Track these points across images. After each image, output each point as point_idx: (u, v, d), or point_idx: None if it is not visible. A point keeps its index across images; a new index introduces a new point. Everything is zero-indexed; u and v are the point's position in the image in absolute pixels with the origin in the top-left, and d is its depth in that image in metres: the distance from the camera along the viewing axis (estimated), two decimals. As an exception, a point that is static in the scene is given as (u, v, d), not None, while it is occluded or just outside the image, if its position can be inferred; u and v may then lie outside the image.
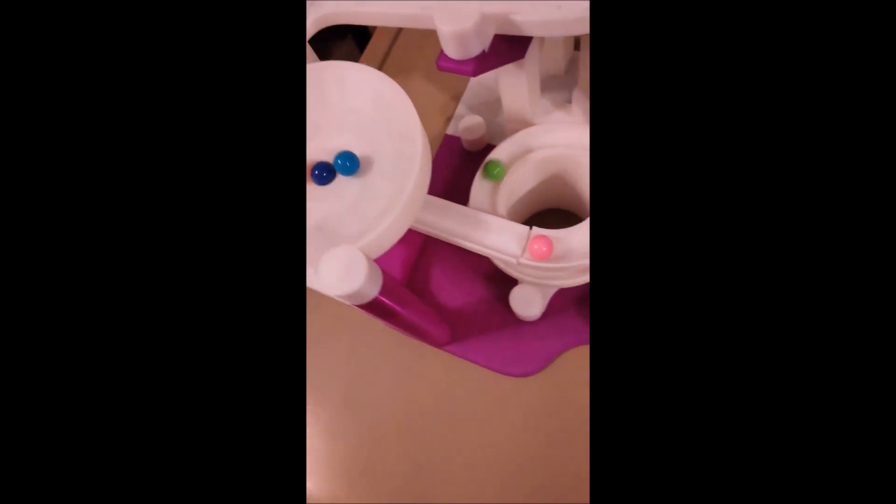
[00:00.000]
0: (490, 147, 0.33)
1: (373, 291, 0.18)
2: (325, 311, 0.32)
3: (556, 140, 0.26)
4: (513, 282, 0.29)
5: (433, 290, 0.31)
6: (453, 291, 0.31)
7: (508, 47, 0.22)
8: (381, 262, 0.32)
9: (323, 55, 0.28)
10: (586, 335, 0.28)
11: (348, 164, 0.20)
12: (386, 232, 0.19)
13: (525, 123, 0.30)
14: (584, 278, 0.25)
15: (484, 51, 0.20)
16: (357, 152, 0.20)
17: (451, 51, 0.19)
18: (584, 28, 0.20)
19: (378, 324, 0.31)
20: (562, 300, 0.29)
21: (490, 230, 0.23)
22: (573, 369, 0.28)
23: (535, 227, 0.23)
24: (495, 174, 0.25)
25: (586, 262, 0.22)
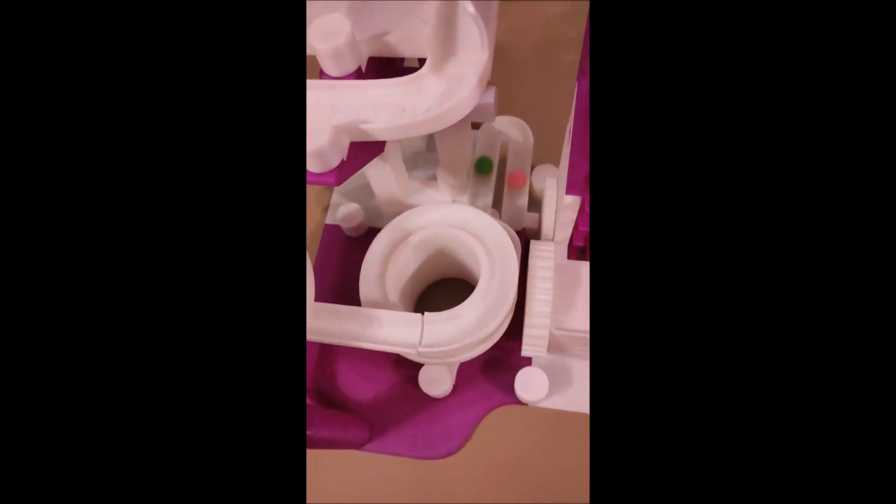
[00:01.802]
0: (372, 230, 0.34)
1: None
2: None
3: (431, 220, 0.27)
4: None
5: (341, 387, 0.30)
6: (363, 384, 0.30)
7: (366, 148, 0.23)
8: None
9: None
10: (498, 398, 0.29)
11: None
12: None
13: (399, 204, 0.31)
14: (485, 347, 0.26)
15: (343, 160, 0.20)
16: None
17: (313, 166, 0.20)
18: (430, 128, 0.21)
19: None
20: (469, 368, 0.29)
21: (383, 325, 0.23)
22: (494, 435, 0.28)
23: (426, 313, 0.23)
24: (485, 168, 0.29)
25: (484, 335, 0.23)
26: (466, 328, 0.23)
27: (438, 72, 0.21)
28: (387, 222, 0.33)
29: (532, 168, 0.33)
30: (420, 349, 0.23)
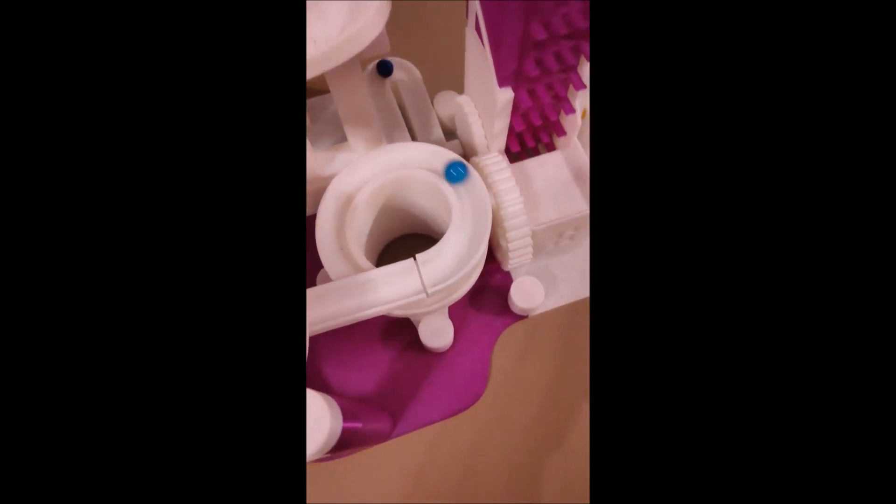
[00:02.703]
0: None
1: (339, 424, 0.14)
2: None
3: (364, 176, 0.25)
4: (407, 324, 0.27)
5: (339, 390, 0.27)
6: (360, 375, 0.27)
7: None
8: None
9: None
10: (499, 323, 0.28)
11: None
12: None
13: (317, 180, 0.28)
14: (478, 272, 0.25)
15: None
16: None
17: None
18: (347, 53, 0.19)
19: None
20: (457, 309, 0.28)
21: (379, 285, 0.21)
22: (512, 357, 0.28)
23: (417, 255, 0.21)
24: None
25: (480, 256, 0.22)
26: (462, 254, 0.22)
27: (333, -8, 0.19)
28: (308, 206, 0.30)
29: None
30: (429, 290, 0.21)
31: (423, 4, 0.38)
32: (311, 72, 0.18)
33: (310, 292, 0.20)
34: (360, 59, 0.26)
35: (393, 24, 0.38)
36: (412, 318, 0.27)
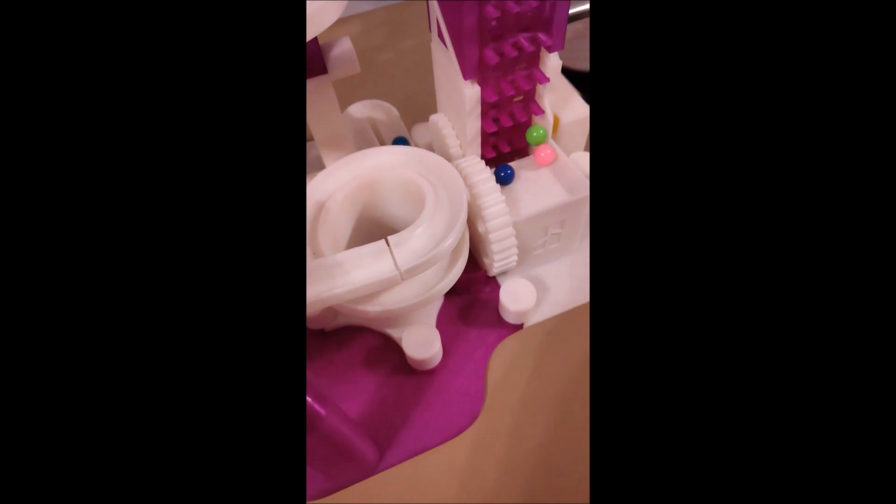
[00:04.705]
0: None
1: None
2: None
3: (338, 181, 0.24)
4: (392, 345, 0.25)
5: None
6: (342, 403, 0.24)
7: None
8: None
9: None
10: (493, 336, 0.26)
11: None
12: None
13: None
14: (461, 265, 0.23)
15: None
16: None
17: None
18: (325, 21, 0.19)
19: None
20: (448, 326, 0.26)
21: (348, 268, 0.19)
22: (504, 370, 0.25)
23: (389, 237, 0.20)
24: (535, 137, 0.25)
25: (455, 237, 0.21)
26: (437, 235, 0.21)
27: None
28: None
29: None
30: (402, 271, 0.19)
31: (399, 55, 0.41)
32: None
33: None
34: (331, 81, 0.27)
35: (374, 71, 0.41)
36: (395, 337, 0.25)
